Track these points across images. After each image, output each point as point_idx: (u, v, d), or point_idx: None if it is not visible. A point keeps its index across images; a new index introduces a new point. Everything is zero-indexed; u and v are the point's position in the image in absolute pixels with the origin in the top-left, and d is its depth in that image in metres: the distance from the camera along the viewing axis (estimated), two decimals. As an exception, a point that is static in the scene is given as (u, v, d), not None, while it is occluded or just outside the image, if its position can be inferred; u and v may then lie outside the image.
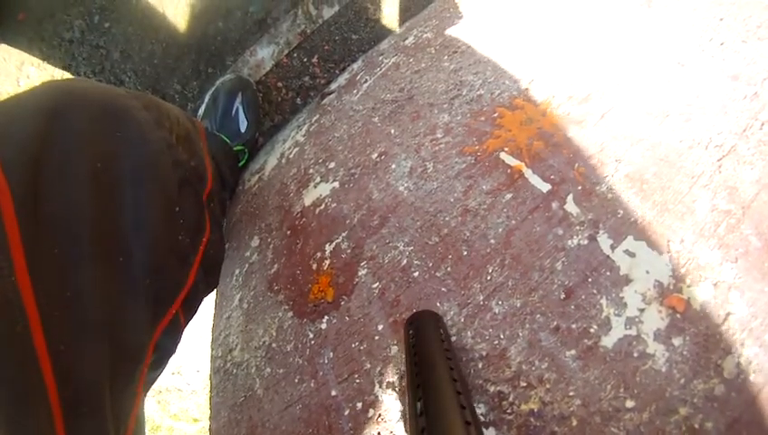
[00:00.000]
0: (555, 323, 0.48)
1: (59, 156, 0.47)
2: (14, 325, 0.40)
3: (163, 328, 0.59)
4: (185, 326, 0.67)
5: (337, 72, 1.19)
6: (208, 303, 0.95)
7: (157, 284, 0.56)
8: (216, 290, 0.94)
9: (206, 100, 1.13)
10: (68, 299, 0.45)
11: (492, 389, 0.48)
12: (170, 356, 0.64)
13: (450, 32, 0.90)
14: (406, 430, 0.50)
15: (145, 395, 0.59)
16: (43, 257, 0.43)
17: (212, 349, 0.83)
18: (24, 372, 0.40)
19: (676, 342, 0.43)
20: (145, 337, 0.56)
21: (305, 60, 1.19)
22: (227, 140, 1.04)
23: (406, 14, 1.16)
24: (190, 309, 0.67)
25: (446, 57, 0.84)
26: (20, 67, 1.16)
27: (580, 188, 0.54)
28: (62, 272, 0.45)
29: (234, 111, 1.10)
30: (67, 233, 0.46)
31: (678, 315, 0.44)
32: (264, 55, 1.19)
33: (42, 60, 1.15)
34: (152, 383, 0.63)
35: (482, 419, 0.47)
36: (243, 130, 1.10)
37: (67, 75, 1.17)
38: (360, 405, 0.55)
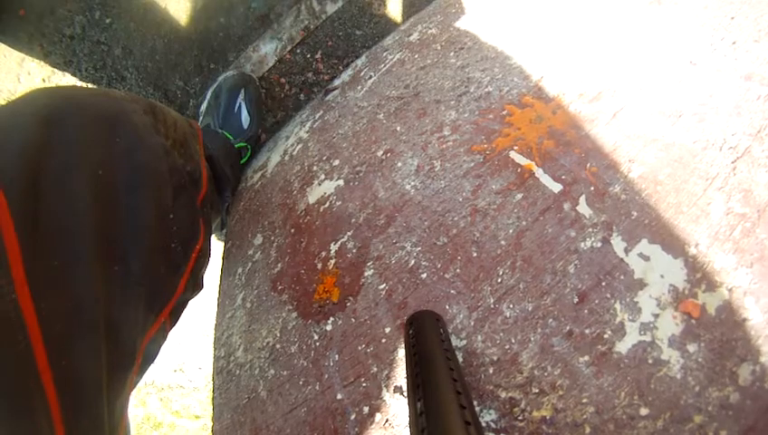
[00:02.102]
0: (568, 327, 0.47)
1: (58, 164, 0.46)
2: (16, 345, 0.39)
3: (151, 336, 0.59)
4: (169, 331, 0.66)
5: (340, 68, 1.17)
6: (210, 299, 0.94)
7: (148, 292, 0.55)
8: (218, 288, 0.94)
9: (208, 96, 1.12)
10: (69, 312, 0.44)
11: (503, 395, 0.47)
12: (154, 360, 0.64)
13: (456, 28, 0.89)
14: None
15: (128, 400, 0.58)
16: (44, 271, 0.42)
17: (214, 349, 0.82)
18: (27, 392, 0.39)
19: (691, 348, 0.42)
20: (136, 344, 0.55)
21: (308, 56, 1.18)
22: (230, 137, 1.03)
23: (410, 9, 1.15)
24: (176, 315, 0.67)
25: (452, 53, 0.83)
26: (20, 63, 1.15)
27: (592, 188, 0.53)
28: (62, 284, 0.44)
29: (236, 108, 1.09)
30: (68, 244, 0.45)
31: (693, 321, 0.43)
32: (266, 51, 1.18)
33: (42, 56, 1.14)
34: (134, 388, 0.62)
35: (493, 425, 0.47)
36: (245, 126, 1.09)
37: (68, 72, 1.16)
38: (366, 409, 0.54)
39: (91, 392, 0.45)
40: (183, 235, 0.63)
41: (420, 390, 0.40)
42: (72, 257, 0.45)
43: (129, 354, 0.53)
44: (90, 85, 1.17)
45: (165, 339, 0.65)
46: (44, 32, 1.13)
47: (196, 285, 0.70)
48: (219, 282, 0.95)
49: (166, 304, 0.61)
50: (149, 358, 0.62)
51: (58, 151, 0.46)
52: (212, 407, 0.75)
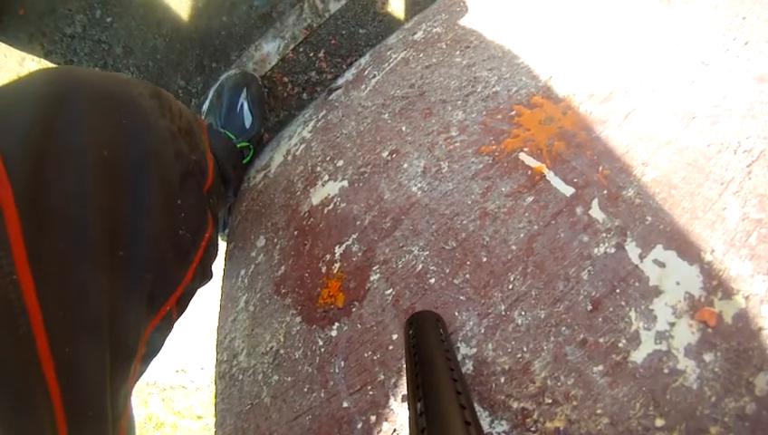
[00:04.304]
0: (582, 336, 0.46)
1: (63, 144, 0.45)
2: (17, 329, 0.37)
3: (156, 324, 0.58)
4: (176, 321, 0.65)
5: (344, 66, 1.16)
6: (212, 298, 0.93)
7: (154, 279, 0.54)
8: (220, 290, 0.92)
9: (210, 95, 1.11)
10: (71, 297, 0.42)
11: (515, 405, 0.46)
12: (159, 351, 0.62)
13: (461, 26, 0.87)
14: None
15: (132, 390, 0.57)
16: (47, 253, 0.41)
17: (217, 352, 0.81)
18: (26, 379, 0.38)
19: (708, 358, 0.41)
20: (140, 332, 0.54)
21: (311, 54, 1.17)
22: (232, 137, 1.02)
23: (414, 8, 1.14)
24: (183, 305, 0.66)
25: (457, 52, 0.82)
26: (21, 63, 1.14)
27: (605, 192, 0.52)
28: (65, 268, 0.43)
29: (239, 107, 1.08)
30: (72, 226, 0.44)
31: (710, 330, 0.42)
32: (269, 50, 1.17)
33: (43, 55, 1.14)
34: (138, 379, 0.61)
35: (504, 437, 0.46)
36: (248, 126, 1.08)
37: (68, 70, 1.15)
38: (373, 418, 0.53)
39: (94, 382, 0.44)
40: (191, 222, 0.62)
41: (420, 390, 0.40)
42: (76, 241, 0.44)
43: (132, 342, 0.52)
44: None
45: (171, 329, 0.64)
46: (45, 31, 1.13)
47: (204, 274, 0.69)
48: (222, 283, 0.94)
49: (172, 292, 0.59)
50: (154, 347, 0.61)
51: (63, 132, 0.45)
52: (215, 412, 0.74)
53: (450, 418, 0.35)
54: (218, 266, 0.79)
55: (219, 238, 0.78)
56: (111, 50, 1.14)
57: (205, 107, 1.12)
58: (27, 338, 0.38)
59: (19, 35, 1.12)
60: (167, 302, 0.59)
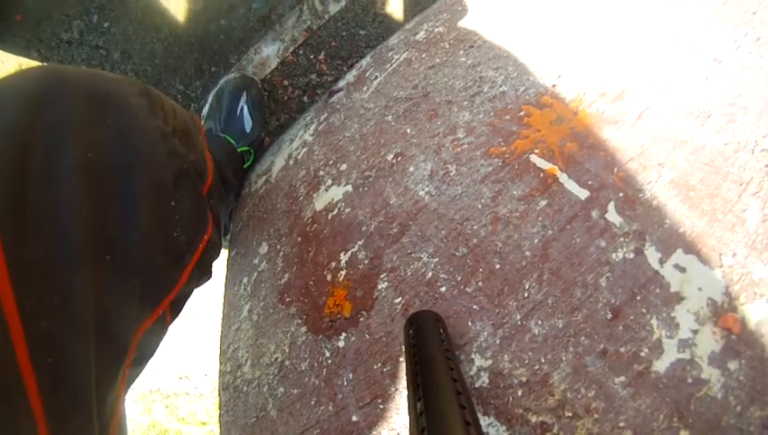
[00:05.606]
0: (602, 346, 0.44)
1: (46, 146, 0.43)
2: None
3: (147, 327, 0.56)
4: (170, 324, 0.63)
5: (345, 68, 1.15)
6: (215, 304, 0.91)
7: (144, 282, 0.52)
8: (223, 297, 0.91)
9: (210, 100, 1.10)
10: (56, 305, 0.41)
11: (534, 419, 0.44)
12: (152, 354, 0.60)
13: (464, 26, 0.86)
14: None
15: (125, 395, 0.55)
16: (29, 260, 0.39)
17: (220, 363, 0.80)
18: (5, 392, 0.36)
19: (732, 366, 0.40)
20: (129, 337, 0.52)
21: (311, 57, 1.16)
22: (232, 141, 1.01)
23: (414, 8, 1.12)
24: (178, 307, 0.64)
25: (461, 52, 0.80)
26: (18, 69, 1.13)
27: (621, 195, 0.50)
28: (48, 275, 0.41)
29: (238, 111, 1.07)
30: (56, 230, 0.42)
31: (734, 337, 0.40)
32: (268, 53, 1.15)
33: (40, 62, 1.12)
34: (132, 382, 0.59)
35: (523, 453, 0.44)
36: (248, 130, 1.06)
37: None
38: (384, 433, 0.52)
39: (80, 392, 0.42)
40: (187, 224, 0.60)
41: (420, 390, 0.40)
42: (59, 247, 0.42)
43: (120, 348, 0.50)
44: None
45: (165, 332, 0.62)
46: (42, 37, 1.11)
47: (202, 275, 0.67)
48: (224, 291, 0.92)
49: (165, 296, 0.57)
50: (147, 351, 0.59)
51: (46, 132, 0.44)
52: (219, 424, 0.72)
53: (450, 418, 0.36)
54: (220, 271, 0.77)
55: (221, 238, 0.76)
56: (109, 55, 1.13)
57: (204, 111, 1.10)
58: (5, 351, 0.36)
59: (16, 42, 1.11)
60: (159, 305, 0.57)
